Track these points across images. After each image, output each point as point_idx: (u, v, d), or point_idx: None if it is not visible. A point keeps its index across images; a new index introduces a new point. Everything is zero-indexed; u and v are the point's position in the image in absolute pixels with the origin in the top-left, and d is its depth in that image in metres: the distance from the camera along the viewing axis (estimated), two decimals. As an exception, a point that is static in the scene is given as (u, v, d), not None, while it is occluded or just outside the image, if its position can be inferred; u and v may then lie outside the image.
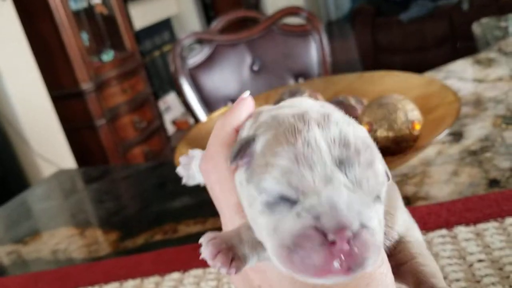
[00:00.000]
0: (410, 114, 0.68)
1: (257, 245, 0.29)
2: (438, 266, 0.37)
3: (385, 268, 0.32)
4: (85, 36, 2.72)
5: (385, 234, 0.31)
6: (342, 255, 0.25)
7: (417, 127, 0.69)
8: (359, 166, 0.26)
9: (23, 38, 2.29)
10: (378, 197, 0.27)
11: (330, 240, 0.25)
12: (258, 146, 0.29)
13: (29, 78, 2.31)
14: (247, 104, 0.34)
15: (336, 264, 0.25)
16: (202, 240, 0.30)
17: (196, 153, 0.40)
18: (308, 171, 0.26)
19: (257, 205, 0.28)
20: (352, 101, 0.78)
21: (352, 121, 0.29)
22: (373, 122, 0.69)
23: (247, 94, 0.35)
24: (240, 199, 0.31)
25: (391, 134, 0.68)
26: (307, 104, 0.31)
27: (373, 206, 0.27)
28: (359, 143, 0.27)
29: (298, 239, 0.25)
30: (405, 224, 0.38)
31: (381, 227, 0.27)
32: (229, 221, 0.33)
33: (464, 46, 3.00)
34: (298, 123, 0.28)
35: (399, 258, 0.37)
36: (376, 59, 3.51)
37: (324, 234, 0.25)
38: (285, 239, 0.26)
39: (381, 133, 0.69)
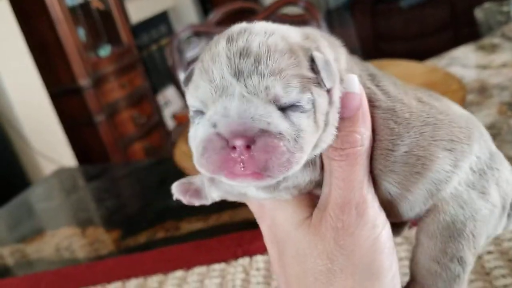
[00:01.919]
0: (414, 103, 0.67)
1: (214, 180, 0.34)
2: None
3: (367, 253, 0.31)
4: (81, 32, 2.70)
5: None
6: (243, 158, 0.27)
7: (422, 116, 0.67)
8: (257, 75, 0.27)
9: (19, 36, 2.27)
10: (295, 106, 0.27)
11: (231, 145, 0.27)
12: None
13: (27, 76, 2.29)
14: None
15: (238, 167, 0.27)
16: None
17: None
18: (208, 84, 0.28)
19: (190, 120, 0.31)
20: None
21: (284, 31, 0.29)
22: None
23: None
24: None
25: (395, 124, 0.67)
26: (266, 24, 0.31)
27: (278, 112, 0.27)
28: (262, 52, 0.27)
29: (205, 143, 0.28)
30: (462, 193, 0.33)
31: (300, 133, 0.28)
32: None
33: (465, 32, 2.98)
34: (214, 41, 0.30)
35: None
36: (376, 46, 3.48)
37: (226, 140, 0.27)
38: (197, 144, 0.29)
39: (385, 123, 0.67)
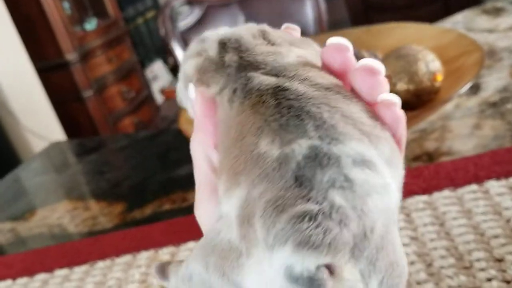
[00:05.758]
0: (431, 65, 0.65)
1: None
2: None
3: None
4: (66, 5, 2.61)
5: None
6: None
7: (439, 78, 0.65)
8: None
9: (3, 9, 2.19)
10: None
11: None
12: None
13: (12, 51, 2.22)
14: None
15: None
16: None
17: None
18: None
19: None
20: (366, 55, 0.74)
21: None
22: (392, 75, 0.65)
23: None
24: None
25: (411, 87, 0.64)
26: None
27: None
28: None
29: None
30: None
31: None
32: None
33: (455, 3, 2.94)
34: None
35: None
36: (366, 18, 3.44)
37: None
38: None
39: (401, 86, 0.65)
